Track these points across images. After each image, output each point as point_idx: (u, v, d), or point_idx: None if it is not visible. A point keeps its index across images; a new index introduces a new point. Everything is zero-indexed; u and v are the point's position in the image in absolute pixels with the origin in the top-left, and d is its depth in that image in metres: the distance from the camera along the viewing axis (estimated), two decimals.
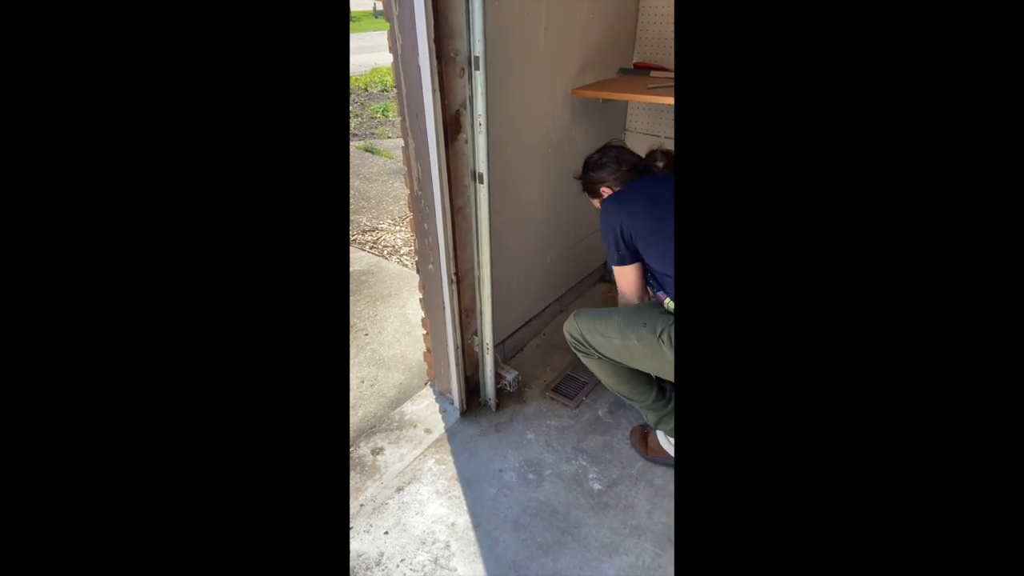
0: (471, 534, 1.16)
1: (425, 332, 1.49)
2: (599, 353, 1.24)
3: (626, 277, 1.23)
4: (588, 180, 1.29)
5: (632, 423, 1.44)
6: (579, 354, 1.29)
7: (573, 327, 1.27)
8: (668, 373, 1.15)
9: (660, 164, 1.23)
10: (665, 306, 1.17)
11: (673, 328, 1.10)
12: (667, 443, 1.29)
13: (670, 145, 1.66)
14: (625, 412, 1.48)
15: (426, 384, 1.62)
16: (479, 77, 1.04)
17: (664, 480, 1.28)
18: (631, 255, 1.19)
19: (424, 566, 1.10)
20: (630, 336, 1.15)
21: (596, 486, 1.27)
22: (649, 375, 1.27)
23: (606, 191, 1.25)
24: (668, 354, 1.10)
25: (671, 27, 1.66)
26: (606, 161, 1.26)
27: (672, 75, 1.61)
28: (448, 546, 1.14)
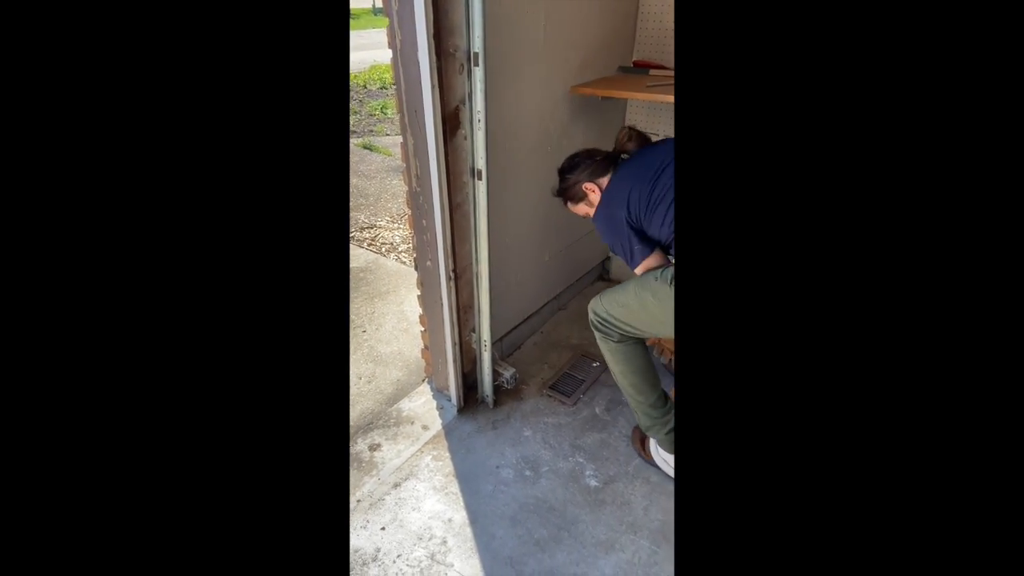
0: (468, 530, 1.16)
1: (423, 329, 1.49)
2: (620, 334, 1.21)
3: (653, 270, 1.17)
4: (567, 184, 1.26)
5: (632, 422, 1.44)
6: (599, 335, 1.26)
7: (597, 304, 1.24)
8: None
9: (632, 145, 1.22)
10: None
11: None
12: (655, 452, 1.29)
13: None
14: (623, 410, 1.48)
15: (424, 381, 1.62)
16: (478, 73, 1.04)
17: (660, 477, 1.28)
18: (649, 241, 1.16)
19: (420, 562, 1.10)
20: (644, 293, 1.12)
21: (593, 483, 1.27)
22: (657, 377, 1.25)
23: (591, 187, 1.23)
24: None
25: (670, 26, 1.66)
26: (578, 160, 1.24)
27: (671, 74, 1.61)
28: (445, 542, 1.14)
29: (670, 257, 1.19)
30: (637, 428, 1.39)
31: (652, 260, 1.16)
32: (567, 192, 1.27)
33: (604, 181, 1.22)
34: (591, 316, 1.26)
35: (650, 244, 1.15)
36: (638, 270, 1.17)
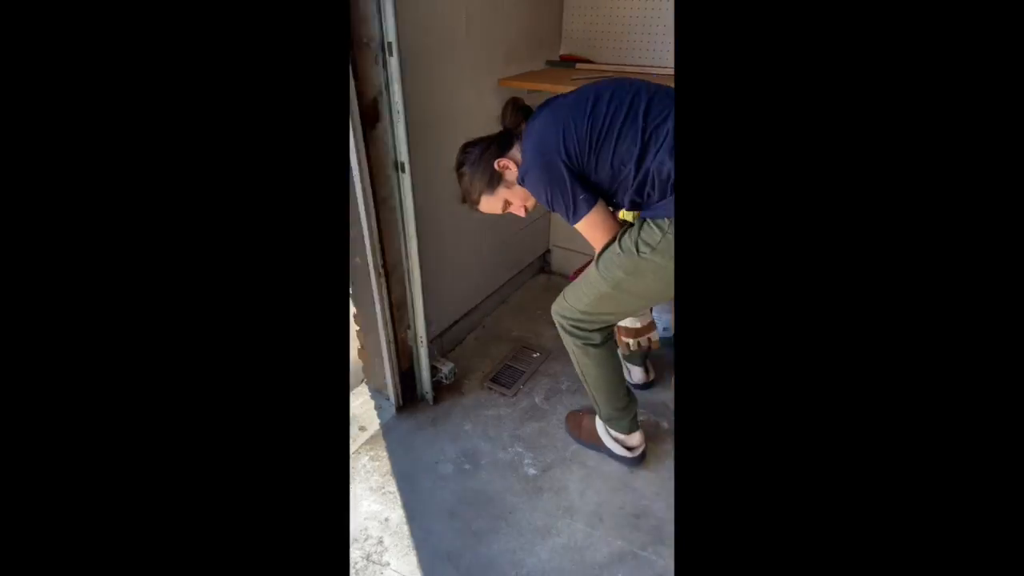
0: (405, 528, 1.15)
1: (357, 328, 1.46)
2: (600, 332, 1.14)
3: (597, 226, 1.02)
4: (472, 176, 1.09)
5: (568, 408, 1.46)
6: (575, 342, 1.15)
7: (562, 307, 1.14)
8: (664, 286, 1.02)
9: (518, 117, 1.08)
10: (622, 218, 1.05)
11: (641, 230, 0.98)
12: (605, 434, 1.28)
13: None
14: (561, 397, 1.51)
15: (362, 382, 1.58)
16: (393, 63, 1.02)
17: (596, 461, 1.31)
18: (592, 190, 1.00)
19: (355, 563, 1.08)
20: (613, 273, 1.02)
21: (531, 471, 1.29)
22: (623, 378, 1.23)
23: (505, 164, 1.07)
24: (654, 260, 0.97)
25: (595, 21, 1.70)
26: (470, 147, 1.10)
27: (596, 67, 1.64)
28: (381, 541, 1.12)
29: (624, 216, 1.05)
30: (571, 414, 1.41)
31: (598, 214, 1.01)
32: (473, 185, 1.10)
33: (516, 153, 1.07)
34: (560, 322, 1.16)
35: (593, 193, 1.00)
36: (581, 224, 1.02)
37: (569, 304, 1.13)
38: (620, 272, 1.02)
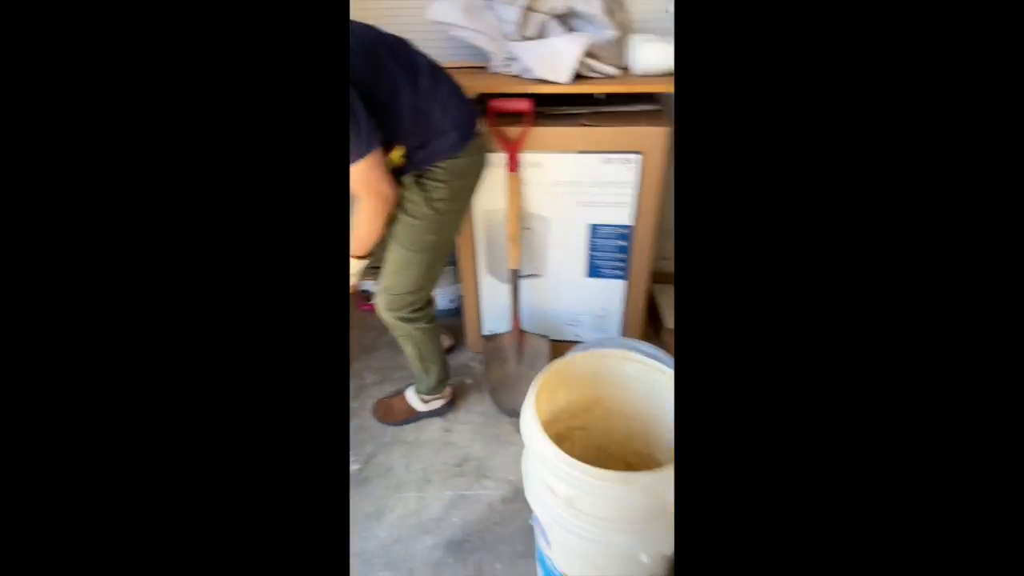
0: None
1: None
2: (432, 306, 1.21)
3: (378, 165, 0.92)
4: None
5: (376, 399, 1.49)
6: (414, 326, 1.19)
7: (392, 300, 1.15)
8: (461, 219, 1.16)
9: None
10: (394, 160, 1.00)
11: (425, 191, 1.04)
12: (419, 402, 1.36)
13: None
14: (369, 391, 1.53)
15: None
16: None
17: (415, 434, 1.38)
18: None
19: None
20: (425, 238, 1.08)
21: (354, 467, 1.29)
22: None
23: None
24: (450, 207, 1.07)
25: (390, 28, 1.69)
26: None
27: None
28: None
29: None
30: (378, 403, 1.43)
31: (377, 159, 0.90)
32: None
33: None
34: (398, 316, 1.17)
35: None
36: (368, 160, 0.88)
37: (399, 294, 1.15)
38: (431, 236, 1.09)
